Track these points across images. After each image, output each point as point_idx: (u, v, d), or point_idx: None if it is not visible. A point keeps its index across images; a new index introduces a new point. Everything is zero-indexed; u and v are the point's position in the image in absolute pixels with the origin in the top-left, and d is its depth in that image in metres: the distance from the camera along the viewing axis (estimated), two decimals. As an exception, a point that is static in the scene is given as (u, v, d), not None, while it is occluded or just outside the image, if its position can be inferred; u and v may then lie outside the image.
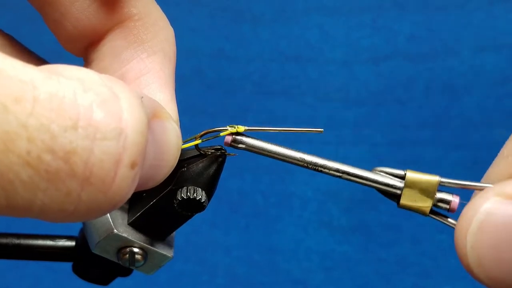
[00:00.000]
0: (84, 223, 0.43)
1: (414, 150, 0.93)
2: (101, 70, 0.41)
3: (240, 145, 0.39)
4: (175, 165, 0.36)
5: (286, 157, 0.39)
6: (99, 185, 0.28)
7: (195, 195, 0.38)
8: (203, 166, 0.39)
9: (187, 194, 0.38)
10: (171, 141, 0.35)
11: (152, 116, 0.33)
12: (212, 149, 0.40)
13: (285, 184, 0.93)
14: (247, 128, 0.39)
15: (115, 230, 0.40)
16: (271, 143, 0.39)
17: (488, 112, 0.93)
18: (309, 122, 0.94)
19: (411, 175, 0.39)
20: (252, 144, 0.39)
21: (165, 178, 0.36)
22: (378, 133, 0.94)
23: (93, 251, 0.41)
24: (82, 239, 0.48)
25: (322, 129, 0.40)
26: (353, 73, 0.95)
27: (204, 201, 0.39)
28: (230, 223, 0.92)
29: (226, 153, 0.40)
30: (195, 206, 0.39)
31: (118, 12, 0.40)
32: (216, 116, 0.94)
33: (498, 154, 0.38)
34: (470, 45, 0.94)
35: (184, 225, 0.42)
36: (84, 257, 0.47)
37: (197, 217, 0.41)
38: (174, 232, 0.43)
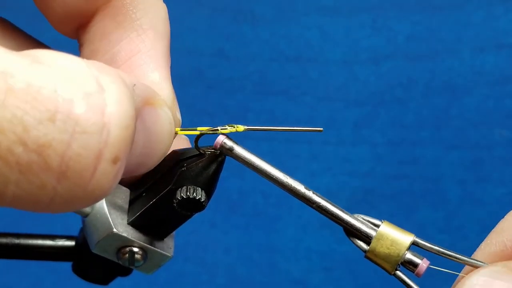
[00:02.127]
0: (84, 223, 0.43)
1: (414, 150, 0.93)
2: (91, 53, 0.40)
3: (228, 152, 0.38)
4: (168, 151, 0.36)
5: (270, 176, 0.39)
6: (76, 180, 0.27)
7: (194, 194, 0.38)
8: (202, 166, 0.39)
9: (186, 194, 0.38)
10: (163, 128, 0.34)
11: (143, 103, 0.33)
12: (212, 149, 0.40)
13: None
14: (246, 127, 0.39)
15: (114, 230, 0.40)
16: (260, 158, 0.39)
17: (488, 112, 0.93)
18: (309, 122, 0.94)
19: (386, 227, 0.38)
20: (240, 155, 0.38)
21: (157, 163, 0.35)
22: (378, 133, 0.93)
23: (92, 251, 0.41)
24: (82, 239, 0.48)
25: (321, 128, 0.40)
26: (353, 73, 0.95)
27: (203, 201, 0.39)
28: (230, 223, 0.92)
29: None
30: (195, 206, 0.39)
31: None
32: (216, 116, 0.94)
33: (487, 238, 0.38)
34: (470, 45, 0.94)
35: (184, 224, 0.42)
36: (84, 257, 0.47)
37: (197, 216, 0.41)
38: (173, 232, 0.43)
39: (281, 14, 0.96)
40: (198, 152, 0.39)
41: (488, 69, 0.94)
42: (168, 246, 0.42)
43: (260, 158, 0.39)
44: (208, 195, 0.39)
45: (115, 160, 0.28)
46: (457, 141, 0.93)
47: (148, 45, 0.39)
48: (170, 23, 0.41)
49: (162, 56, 0.40)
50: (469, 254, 0.40)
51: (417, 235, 0.39)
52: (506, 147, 0.92)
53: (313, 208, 0.38)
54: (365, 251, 0.38)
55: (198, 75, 0.96)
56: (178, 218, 0.41)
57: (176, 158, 0.39)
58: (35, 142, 0.26)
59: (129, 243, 0.41)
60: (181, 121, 0.40)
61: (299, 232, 0.92)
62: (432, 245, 0.38)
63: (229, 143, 0.38)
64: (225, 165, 0.40)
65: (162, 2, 0.41)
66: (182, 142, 0.42)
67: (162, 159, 0.35)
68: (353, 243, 0.38)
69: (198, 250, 0.91)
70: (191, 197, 0.38)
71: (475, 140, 0.92)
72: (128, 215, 0.41)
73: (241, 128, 0.39)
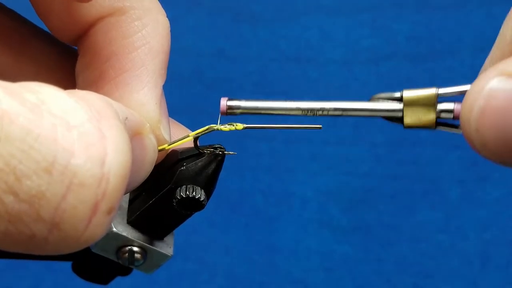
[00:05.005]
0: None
1: (414, 150, 0.93)
2: (84, 66, 0.40)
3: (237, 111, 0.39)
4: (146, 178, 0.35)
5: (283, 110, 0.39)
6: (69, 232, 0.26)
7: (194, 194, 0.39)
8: (202, 165, 0.39)
9: (186, 193, 0.38)
10: (148, 157, 0.34)
11: (133, 134, 0.32)
12: (211, 148, 0.40)
13: (285, 184, 0.93)
14: (245, 126, 0.39)
15: (114, 229, 0.40)
16: (265, 100, 0.39)
17: (488, 112, 0.93)
18: (309, 122, 0.94)
19: (408, 93, 0.38)
20: (248, 106, 0.38)
21: (135, 188, 0.35)
22: (378, 133, 0.94)
23: (92, 250, 0.41)
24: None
25: (320, 126, 0.40)
26: (353, 73, 0.95)
27: (203, 200, 0.39)
28: (229, 222, 0.92)
29: (225, 152, 0.40)
30: (194, 205, 0.39)
31: (98, 7, 0.38)
32: (216, 116, 0.94)
33: (498, 36, 0.37)
34: (470, 45, 0.94)
35: (184, 224, 0.42)
36: (84, 256, 0.47)
37: (197, 216, 0.41)
38: (173, 231, 0.43)
39: (281, 14, 0.96)
40: (197, 152, 0.40)
41: (488, 69, 0.94)
42: (168, 246, 0.42)
43: (266, 100, 0.39)
44: (208, 194, 0.39)
45: (110, 211, 0.27)
46: (457, 141, 0.93)
47: (138, 64, 0.38)
48: (170, 23, 0.41)
49: (152, 74, 0.38)
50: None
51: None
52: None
53: (338, 115, 0.38)
54: (403, 125, 0.38)
55: (198, 75, 0.95)
56: (178, 217, 0.41)
57: (175, 157, 0.39)
58: (27, 193, 0.25)
59: (128, 242, 0.41)
60: (169, 138, 0.40)
61: (299, 232, 0.92)
62: (455, 88, 0.38)
63: (234, 103, 0.39)
64: (224, 164, 0.40)
65: (164, 16, 0.40)
66: (179, 129, 0.42)
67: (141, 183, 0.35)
68: (392, 122, 0.38)
69: (197, 249, 0.91)
70: (190, 196, 0.38)
71: (475, 140, 0.92)
72: (127, 214, 0.41)
73: (240, 126, 0.39)
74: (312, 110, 0.38)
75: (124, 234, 0.40)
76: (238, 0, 0.97)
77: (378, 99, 0.39)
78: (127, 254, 0.41)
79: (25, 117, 0.25)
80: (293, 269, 0.91)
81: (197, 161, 0.39)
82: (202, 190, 0.39)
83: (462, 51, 0.94)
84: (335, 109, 0.38)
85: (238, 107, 0.38)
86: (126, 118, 0.30)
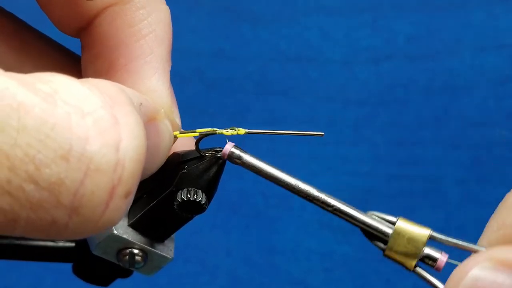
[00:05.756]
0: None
1: (414, 150, 0.93)
2: (92, 57, 0.40)
3: (237, 160, 0.38)
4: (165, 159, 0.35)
5: (281, 182, 0.39)
6: (88, 216, 0.27)
7: (195, 197, 0.38)
8: (203, 168, 0.39)
9: (187, 196, 0.38)
10: (164, 142, 0.35)
11: (147, 120, 0.32)
12: (213, 151, 0.40)
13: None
14: (247, 130, 0.39)
15: (115, 232, 0.40)
16: (268, 164, 0.39)
17: (488, 112, 0.93)
18: (309, 122, 0.94)
19: (402, 223, 0.37)
20: (249, 162, 0.38)
21: (154, 172, 0.35)
22: (378, 133, 0.93)
23: (93, 252, 0.41)
24: (82, 240, 0.48)
25: (322, 133, 0.39)
26: (353, 73, 0.95)
27: (204, 203, 0.39)
28: (230, 223, 0.92)
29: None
30: (195, 208, 0.39)
31: None
32: (216, 116, 0.94)
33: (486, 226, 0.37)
34: (470, 45, 0.94)
35: (184, 226, 0.42)
36: (84, 258, 0.47)
37: (197, 217, 0.41)
38: (174, 234, 0.43)
39: (281, 14, 0.96)
40: (199, 154, 0.39)
41: (488, 69, 0.94)
42: (168, 248, 0.42)
43: (268, 164, 0.39)
44: (209, 197, 0.39)
45: (127, 195, 0.28)
46: (457, 141, 0.93)
47: (147, 51, 0.39)
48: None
49: (160, 61, 0.39)
50: (468, 256, 0.40)
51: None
52: (506, 147, 0.92)
53: (329, 211, 0.38)
54: (383, 250, 0.38)
55: (198, 75, 0.95)
56: (179, 220, 0.41)
57: (177, 160, 0.39)
58: (47, 180, 0.26)
59: (129, 245, 0.41)
60: (180, 124, 0.40)
61: (299, 233, 0.92)
62: (449, 238, 0.37)
63: (237, 152, 0.39)
64: (225, 165, 0.40)
65: (165, 5, 0.40)
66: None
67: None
68: (373, 243, 0.38)
69: (198, 251, 0.91)
70: (191, 199, 0.38)
71: (475, 140, 0.92)
72: (128, 217, 0.41)
73: (242, 131, 0.39)
74: (308, 195, 0.38)
75: (125, 236, 0.40)
76: (238, 0, 0.96)
77: (373, 216, 0.38)
78: (127, 256, 0.41)
79: (40, 108, 0.25)
80: (294, 270, 0.91)
81: (199, 164, 0.39)
82: (203, 193, 0.39)
83: (462, 51, 0.94)
84: (329, 205, 0.38)
85: (239, 158, 0.38)
86: (141, 104, 0.31)
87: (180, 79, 0.94)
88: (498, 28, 0.94)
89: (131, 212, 0.41)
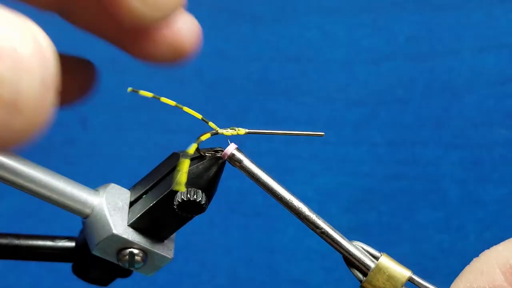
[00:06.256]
0: (84, 224, 0.43)
1: (414, 150, 0.93)
2: None
3: (236, 163, 0.39)
4: None
5: (275, 194, 0.39)
6: (28, 112, 0.28)
7: (195, 197, 0.38)
8: (203, 168, 0.39)
9: (187, 196, 0.38)
10: None
11: None
12: (213, 151, 0.40)
13: (285, 184, 0.92)
14: (247, 130, 0.39)
15: (115, 231, 0.40)
16: (266, 174, 0.39)
17: (488, 112, 0.93)
18: (309, 122, 0.94)
19: (385, 260, 0.38)
20: (248, 168, 0.39)
21: None
22: (378, 133, 0.93)
23: (92, 252, 0.41)
24: (82, 240, 0.47)
25: (323, 133, 0.40)
26: (353, 73, 0.95)
27: (204, 203, 0.39)
28: (230, 223, 0.92)
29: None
30: (195, 208, 0.39)
31: None
32: (216, 116, 0.94)
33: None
34: (470, 45, 0.94)
35: (184, 225, 0.42)
36: (84, 258, 0.47)
37: (197, 217, 0.41)
38: (174, 234, 0.43)
39: (281, 14, 0.96)
40: (199, 154, 0.39)
41: (488, 69, 0.94)
42: (168, 248, 0.42)
43: (267, 174, 0.39)
44: (209, 197, 0.39)
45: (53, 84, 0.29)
46: (457, 141, 0.93)
47: None
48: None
49: None
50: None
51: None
52: (506, 147, 0.92)
53: (316, 233, 0.38)
54: (361, 281, 0.38)
55: (198, 75, 0.95)
56: (178, 220, 0.41)
57: (176, 160, 0.39)
58: None
59: (129, 244, 0.41)
60: None
61: (299, 232, 0.92)
62: (428, 284, 0.39)
63: (238, 155, 0.39)
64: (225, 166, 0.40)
65: None
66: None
67: None
68: (351, 272, 0.39)
69: (198, 250, 0.91)
70: (191, 199, 0.38)
71: (475, 140, 0.92)
72: (128, 216, 0.41)
73: (242, 131, 0.39)
74: (299, 213, 0.38)
75: (125, 236, 0.40)
76: (238, 0, 0.96)
77: (358, 246, 0.39)
78: (127, 256, 0.41)
79: None
80: (293, 269, 0.91)
81: (199, 164, 0.39)
82: (203, 193, 0.39)
83: (462, 51, 0.94)
84: (317, 227, 0.38)
85: (239, 161, 0.38)
86: None
87: (180, 79, 0.94)
88: (498, 28, 0.94)
89: (130, 212, 0.41)
